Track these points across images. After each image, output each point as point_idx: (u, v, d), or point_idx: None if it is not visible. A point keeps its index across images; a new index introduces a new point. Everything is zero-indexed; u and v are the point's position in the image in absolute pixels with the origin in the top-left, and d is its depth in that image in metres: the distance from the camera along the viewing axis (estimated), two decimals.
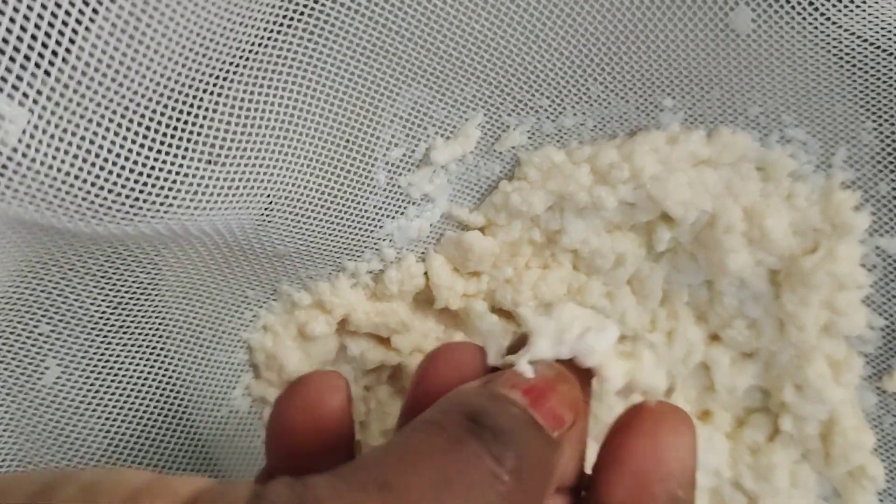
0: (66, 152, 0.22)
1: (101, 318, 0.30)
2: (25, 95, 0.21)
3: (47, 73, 0.21)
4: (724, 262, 0.33)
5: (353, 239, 0.32)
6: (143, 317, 0.31)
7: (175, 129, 0.24)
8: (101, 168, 0.23)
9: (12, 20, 0.20)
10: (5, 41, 0.20)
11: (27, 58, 0.20)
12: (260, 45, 0.26)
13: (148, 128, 0.23)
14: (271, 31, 0.26)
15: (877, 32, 0.28)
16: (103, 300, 0.29)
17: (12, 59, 0.20)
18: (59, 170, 0.22)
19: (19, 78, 0.20)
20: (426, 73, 0.29)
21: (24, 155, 0.21)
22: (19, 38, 0.20)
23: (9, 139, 0.21)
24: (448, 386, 0.22)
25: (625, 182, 0.32)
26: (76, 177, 0.22)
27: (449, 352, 0.24)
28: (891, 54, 0.29)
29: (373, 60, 0.28)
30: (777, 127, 0.32)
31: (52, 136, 0.22)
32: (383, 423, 0.36)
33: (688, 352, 0.36)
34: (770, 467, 0.38)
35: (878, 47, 0.28)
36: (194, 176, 0.25)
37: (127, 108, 0.23)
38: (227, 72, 0.25)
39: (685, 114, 0.32)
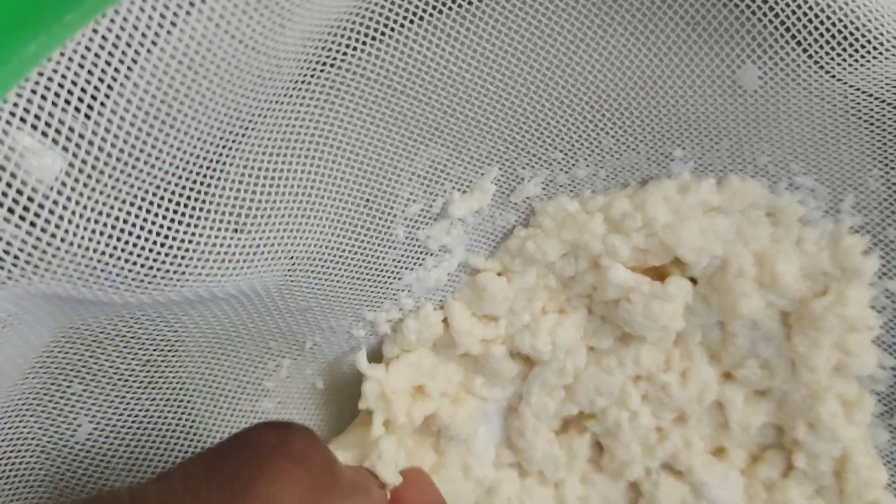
0: (101, 233, 0.23)
1: (130, 375, 0.31)
2: (62, 187, 0.22)
3: (75, 155, 0.22)
4: (737, 306, 0.34)
5: (372, 291, 0.33)
6: (169, 372, 0.31)
7: (202, 200, 0.25)
8: (135, 245, 0.24)
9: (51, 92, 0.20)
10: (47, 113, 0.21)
11: (58, 132, 0.21)
12: (281, 115, 0.26)
13: (178, 202, 0.24)
14: (292, 101, 0.26)
15: (880, 87, 0.29)
16: (132, 359, 0.30)
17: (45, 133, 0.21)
18: (94, 250, 0.23)
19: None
20: (443, 133, 0.30)
21: (62, 239, 0.22)
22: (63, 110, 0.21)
23: (42, 185, 0.21)
24: None
25: (637, 230, 0.33)
26: (110, 255, 0.23)
27: None
28: (894, 106, 0.29)
29: (391, 123, 0.29)
30: (786, 175, 0.33)
31: (85, 218, 0.22)
32: (408, 463, 0.37)
33: (702, 390, 0.37)
34: (785, 503, 0.38)
35: (882, 100, 0.29)
36: (222, 245, 0.26)
37: (156, 185, 0.24)
38: (250, 142, 0.26)
39: (695, 163, 0.33)
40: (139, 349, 0.30)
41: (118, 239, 0.23)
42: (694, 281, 0.35)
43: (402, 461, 0.35)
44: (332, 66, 0.26)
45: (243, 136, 0.25)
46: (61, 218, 0.22)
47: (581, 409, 0.38)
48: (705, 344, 0.37)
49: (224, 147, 0.25)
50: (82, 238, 0.22)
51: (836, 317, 0.34)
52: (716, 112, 0.31)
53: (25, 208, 0.21)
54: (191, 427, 0.33)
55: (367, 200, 0.30)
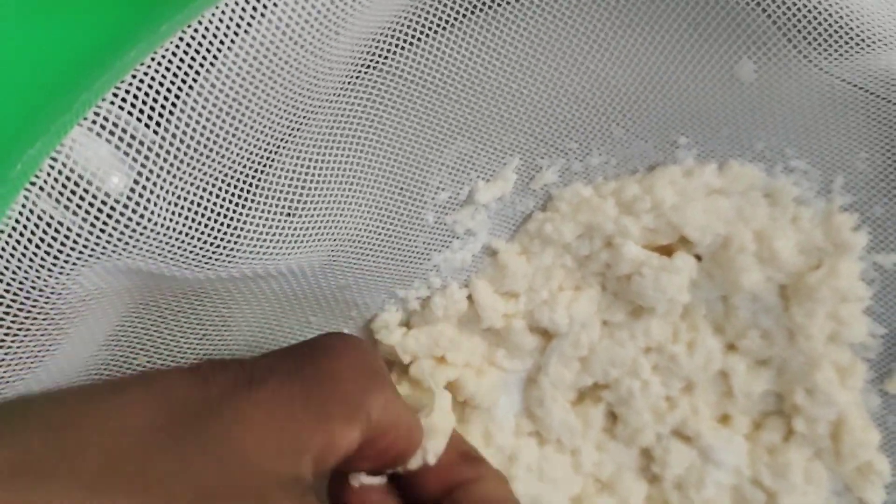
0: (179, 214, 0.26)
1: (188, 349, 0.34)
2: (135, 160, 0.25)
3: (154, 137, 0.25)
4: (738, 280, 0.37)
5: (404, 271, 0.36)
6: (221, 345, 0.35)
7: (260, 186, 0.28)
8: (206, 226, 0.27)
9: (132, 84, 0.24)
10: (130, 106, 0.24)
11: (140, 121, 0.24)
12: (330, 112, 0.30)
13: (242, 189, 0.28)
14: (340, 99, 0.30)
15: (863, 78, 0.32)
16: (191, 334, 0.33)
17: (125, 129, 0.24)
18: (173, 230, 0.26)
19: (130, 145, 0.25)
20: (470, 127, 0.33)
21: (148, 219, 0.25)
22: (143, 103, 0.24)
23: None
24: None
25: (647, 211, 0.36)
26: (186, 234, 0.26)
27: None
28: (877, 96, 0.32)
29: (424, 119, 0.32)
30: (781, 159, 0.36)
31: (167, 202, 0.26)
32: None
33: (707, 360, 0.40)
34: (786, 465, 0.41)
35: (866, 90, 0.32)
36: (277, 227, 0.29)
37: (224, 174, 0.27)
38: (303, 136, 0.29)
39: (698, 150, 0.36)
40: (197, 324, 0.33)
41: (192, 220, 0.26)
42: (699, 258, 0.38)
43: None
44: (374, 67, 0.29)
45: (298, 130, 0.28)
46: (148, 201, 0.25)
47: (595, 379, 0.41)
48: (710, 317, 0.40)
49: (281, 140, 0.28)
50: (165, 219, 0.25)
51: (829, 288, 0.37)
52: (716, 103, 0.34)
53: (117, 198, 0.25)
54: None
55: (402, 189, 0.33)
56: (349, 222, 0.32)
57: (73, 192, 0.24)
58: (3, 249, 0.24)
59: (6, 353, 0.26)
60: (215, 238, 0.27)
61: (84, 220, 0.25)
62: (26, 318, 0.26)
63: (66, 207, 0.24)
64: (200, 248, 0.27)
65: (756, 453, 0.42)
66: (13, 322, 0.25)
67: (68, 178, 0.24)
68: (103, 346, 0.31)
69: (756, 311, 0.39)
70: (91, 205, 0.24)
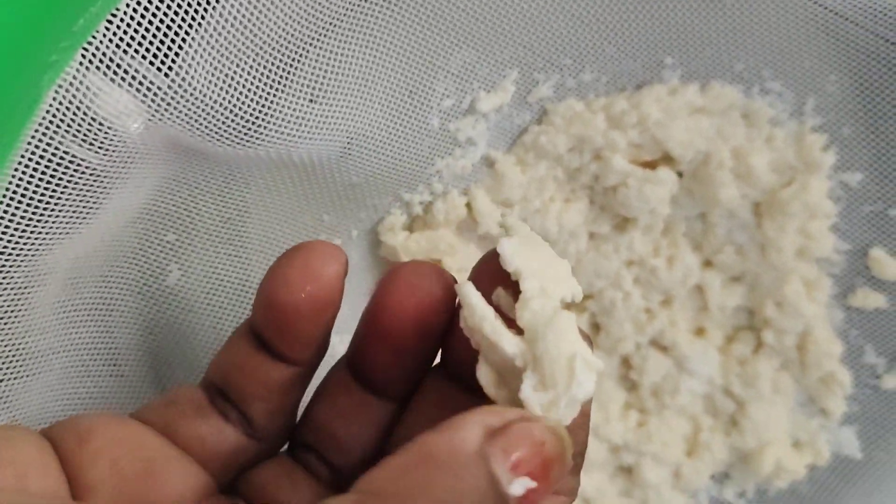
0: (216, 84, 0.29)
1: (213, 230, 0.37)
2: (187, 34, 0.28)
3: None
4: (717, 195, 0.41)
5: (410, 173, 0.39)
6: (244, 232, 0.38)
7: (288, 72, 0.32)
8: (240, 101, 0.30)
9: None
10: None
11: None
12: (349, 13, 0.33)
13: (273, 70, 0.31)
14: (359, 6, 0.33)
15: (835, 1, 0.35)
16: (217, 216, 0.37)
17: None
18: (209, 97, 0.29)
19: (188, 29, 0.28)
20: (474, 38, 0.36)
21: (188, 82, 0.28)
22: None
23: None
24: (404, 307, 0.25)
25: (633, 126, 0.40)
26: (220, 104, 0.30)
27: (410, 273, 0.26)
28: (846, 19, 0.36)
29: (433, 26, 0.35)
30: (758, 80, 0.39)
31: (205, 72, 0.29)
32: None
33: (685, 275, 0.43)
34: (755, 376, 0.45)
35: (837, 13, 0.36)
36: (300, 111, 0.32)
37: (260, 54, 0.30)
38: (325, 32, 0.32)
39: (683, 70, 0.39)
40: (224, 208, 0.37)
41: (227, 92, 0.30)
42: (680, 175, 0.42)
43: None
44: None
45: (322, 33, 0.32)
46: (190, 66, 0.28)
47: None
48: (689, 235, 0.44)
49: (309, 37, 0.31)
50: (203, 85, 0.29)
51: (799, 203, 0.40)
52: (701, 23, 0.37)
53: (163, 59, 0.28)
54: (256, 285, 0.39)
55: (411, 91, 0.37)
56: (363, 117, 0.35)
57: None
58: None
59: (55, 205, 0.29)
60: (247, 112, 0.31)
61: (131, 86, 0.28)
62: (75, 172, 0.29)
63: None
64: (233, 121, 0.31)
65: (728, 364, 0.45)
66: (63, 175, 0.29)
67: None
68: (137, 218, 0.35)
69: (731, 227, 0.43)
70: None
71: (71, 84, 0.27)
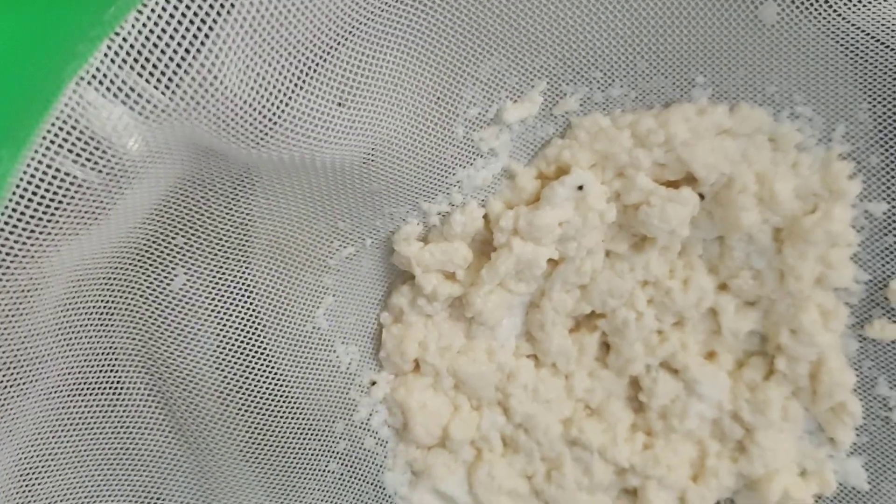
0: (242, 81, 0.28)
1: (224, 234, 0.35)
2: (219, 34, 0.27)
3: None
4: (738, 219, 0.40)
5: (430, 182, 0.38)
6: (255, 238, 0.36)
7: (317, 74, 0.30)
8: (269, 101, 0.29)
9: None
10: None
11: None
12: (380, 12, 0.31)
13: (301, 69, 0.29)
14: (389, 7, 0.32)
15: (877, 27, 0.34)
16: (230, 220, 0.35)
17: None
18: (233, 93, 0.28)
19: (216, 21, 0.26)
20: (506, 45, 0.35)
21: (214, 77, 0.27)
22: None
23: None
24: None
25: (659, 145, 0.39)
26: (244, 101, 0.28)
27: None
28: (887, 46, 0.35)
29: (463, 30, 0.34)
30: (788, 104, 0.38)
31: (233, 68, 0.27)
32: (439, 342, 0.42)
33: (700, 298, 0.43)
34: (765, 402, 0.44)
35: (878, 40, 0.35)
36: (327, 114, 0.31)
37: (290, 51, 0.29)
38: (355, 31, 0.31)
39: (713, 90, 0.38)
40: (235, 211, 0.35)
41: (256, 91, 0.28)
42: (702, 197, 0.41)
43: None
44: None
45: (350, 32, 0.30)
46: (223, 63, 0.27)
47: (594, 308, 0.43)
48: (705, 257, 0.43)
49: (339, 37, 0.30)
50: (232, 82, 0.27)
51: (822, 231, 0.40)
52: (736, 43, 0.36)
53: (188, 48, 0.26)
54: (263, 293, 0.38)
55: (438, 98, 0.35)
56: (389, 122, 0.34)
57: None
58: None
59: (66, 204, 0.28)
60: (273, 113, 0.29)
61: (159, 80, 0.26)
62: (94, 165, 0.27)
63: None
64: (259, 121, 0.29)
65: (738, 390, 0.44)
66: (83, 167, 0.27)
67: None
68: (147, 219, 0.33)
69: (750, 252, 0.42)
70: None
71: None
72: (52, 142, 0.26)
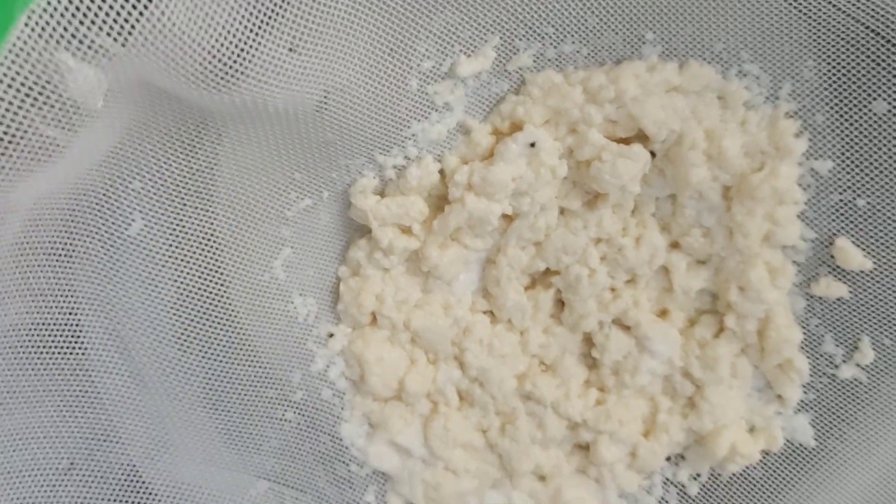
0: (193, 23, 0.29)
1: (182, 181, 0.36)
2: None
3: None
4: (688, 176, 0.41)
5: (385, 134, 0.39)
6: (212, 186, 0.37)
7: (271, 20, 0.31)
8: (220, 43, 0.29)
9: None
10: None
11: None
12: None
13: (254, 14, 0.30)
14: None
15: None
16: (186, 166, 0.36)
17: None
18: (185, 34, 0.28)
19: None
20: None
21: (167, 18, 0.27)
22: None
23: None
24: None
25: (610, 101, 0.39)
26: (196, 42, 0.29)
27: None
28: (830, 3, 0.36)
29: None
30: (736, 62, 0.39)
31: (183, 9, 0.28)
32: (396, 295, 0.43)
33: (652, 255, 0.43)
34: (715, 359, 0.45)
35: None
36: (279, 59, 0.32)
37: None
38: None
39: (663, 47, 0.39)
40: (193, 158, 0.36)
41: (207, 32, 0.29)
42: (653, 156, 0.42)
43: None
44: None
45: None
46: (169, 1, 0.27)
47: (548, 265, 0.44)
48: (658, 215, 0.44)
49: None
50: (182, 22, 0.28)
51: (769, 188, 0.41)
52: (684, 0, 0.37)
53: None
54: (222, 241, 0.39)
55: (392, 49, 0.36)
56: (342, 71, 0.35)
57: None
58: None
59: (20, 140, 0.28)
60: (224, 55, 0.30)
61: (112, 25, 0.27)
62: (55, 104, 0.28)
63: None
64: (210, 62, 0.30)
65: (689, 347, 0.45)
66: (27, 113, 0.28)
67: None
68: (103, 162, 0.34)
69: (700, 210, 0.43)
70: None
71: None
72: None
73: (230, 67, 0.30)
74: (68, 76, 0.28)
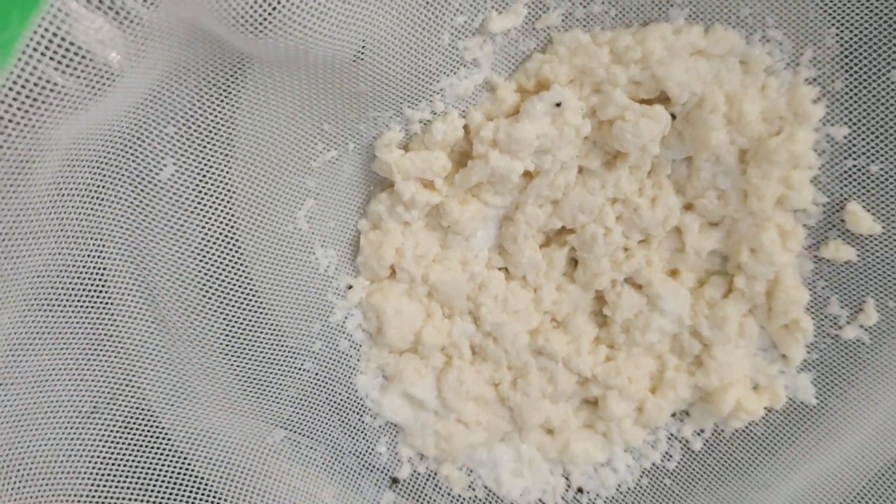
0: None
1: (215, 128, 0.36)
2: None
3: None
4: (707, 138, 0.41)
5: (414, 88, 0.39)
6: (244, 132, 0.37)
7: None
8: None
9: None
10: None
11: None
12: None
13: None
14: None
15: None
16: (221, 113, 0.36)
17: None
18: None
19: None
20: None
21: None
22: None
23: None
24: None
25: (636, 62, 0.40)
26: None
27: None
28: None
29: None
30: (761, 27, 0.40)
31: None
32: (416, 249, 0.43)
33: (666, 216, 0.44)
34: (723, 319, 0.46)
35: None
36: (325, 6, 0.32)
37: None
38: None
39: (690, 10, 0.40)
40: (227, 104, 0.36)
41: None
42: (673, 118, 0.42)
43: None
44: None
45: None
46: None
47: (565, 223, 0.45)
48: (673, 177, 0.45)
49: None
50: None
51: (785, 152, 0.41)
52: None
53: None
54: (249, 189, 0.39)
55: (427, 2, 0.36)
56: (381, 21, 0.35)
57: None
58: None
59: (65, 80, 0.28)
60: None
61: None
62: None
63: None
64: (259, 5, 0.30)
65: (698, 306, 0.46)
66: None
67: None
68: (140, 104, 0.34)
69: (716, 172, 0.44)
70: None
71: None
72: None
73: (277, 12, 0.31)
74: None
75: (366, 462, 0.46)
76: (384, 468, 0.46)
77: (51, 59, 0.27)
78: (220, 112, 0.36)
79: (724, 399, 0.46)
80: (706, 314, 0.46)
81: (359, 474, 0.46)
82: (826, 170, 0.43)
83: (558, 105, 0.40)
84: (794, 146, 0.42)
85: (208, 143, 0.37)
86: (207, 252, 0.39)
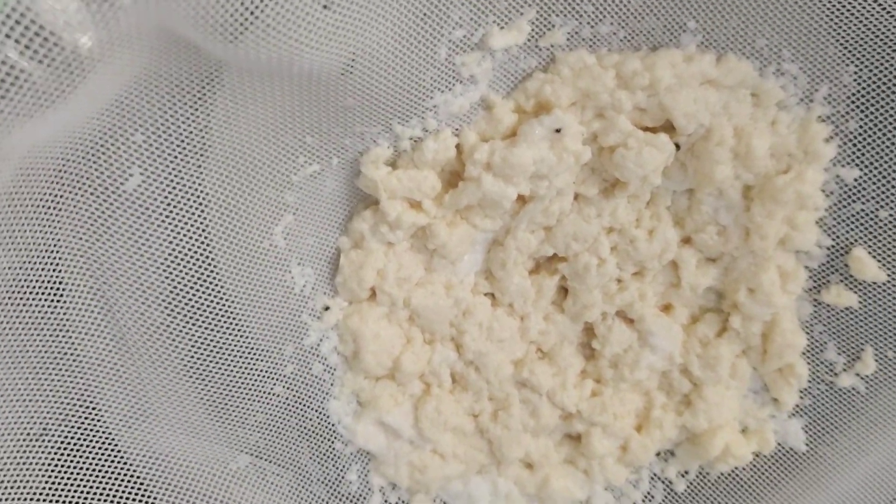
0: None
1: (187, 137, 0.34)
2: None
3: None
4: (712, 172, 0.39)
5: (406, 103, 0.36)
6: (220, 143, 0.35)
7: None
8: None
9: None
10: None
11: None
12: None
13: None
14: None
15: None
16: (193, 122, 0.33)
17: None
18: None
19: None
20: None
21: None
22: None
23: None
24: None
25: (643, 89, 0.38)
26: None
27: None
28: (883, 7, 0.34)
29: None
30: (776, 60, 0.38)
31: None
32: (398, 272, 0.41)
33: (663, 249, 0.42)
34: (716, 358, 0.44)
35: (878, 2, 0.34)
36: (312, 15, 0.29)
37: None
38: None
39: (703, 37, 0.37)
40: (201, 114, 0.33)
41: None
42: (677, 147, 0.40)
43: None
44: None
45: None
46: None
47: (557, 251, 0.42)
48: (673, 209, 0.42)
49: None
50: None
51: (792, 192, 0.39)
52: None
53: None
54: (223, 203, 0.36)
55: (425, 14, 0.34)
56: (373, 33, 0.32)
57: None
58: None
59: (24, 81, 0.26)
60: (254, 5, 0.27)
61: None
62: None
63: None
64: (238, 12, 0.27)
65: (690, 344, 0.44)
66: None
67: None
68: (106, 110, 0.31)
69: (718, 207, 0.41)
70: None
71: None
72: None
73: (259, 20, 0.28)
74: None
75: (334, 490, 0.43)
76: (354, 497, 0.44)
77: (16, 41, 0.25)
78: (193, 120, 0.33)
79: (714, 442, 0.44)
80: (698, 353, 0.44)
81: (326, 503, 0.43)
82: (833, 212, 0.41)
83: (558, 131, 0.38)
84: (802, 186, 0.39)
85: (179, 152, 0.34)
86: (174, 268, 0.36)
